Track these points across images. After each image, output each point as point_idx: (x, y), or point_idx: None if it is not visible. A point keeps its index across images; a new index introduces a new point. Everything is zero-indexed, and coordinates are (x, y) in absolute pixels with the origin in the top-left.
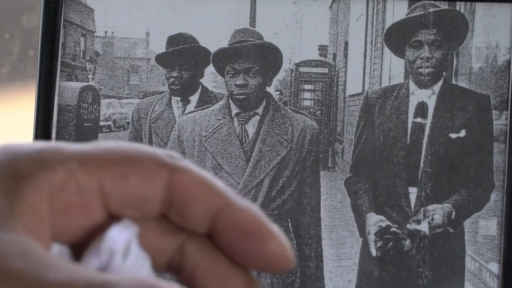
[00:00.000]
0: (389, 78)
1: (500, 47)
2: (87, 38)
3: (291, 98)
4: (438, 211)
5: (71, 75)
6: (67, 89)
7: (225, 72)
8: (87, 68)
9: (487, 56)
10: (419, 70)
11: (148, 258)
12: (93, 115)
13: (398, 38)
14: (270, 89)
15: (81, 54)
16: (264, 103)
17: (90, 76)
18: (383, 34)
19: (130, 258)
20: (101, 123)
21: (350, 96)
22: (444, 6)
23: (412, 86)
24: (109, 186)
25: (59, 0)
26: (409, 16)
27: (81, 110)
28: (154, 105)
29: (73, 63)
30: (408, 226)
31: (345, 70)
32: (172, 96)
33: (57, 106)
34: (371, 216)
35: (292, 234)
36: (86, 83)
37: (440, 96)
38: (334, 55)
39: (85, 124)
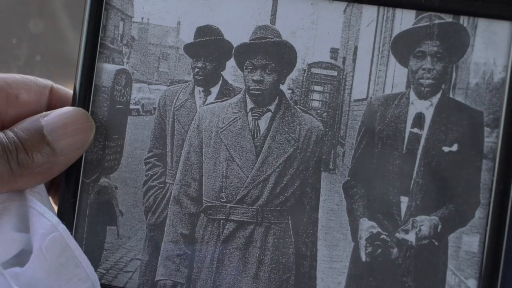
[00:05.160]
0: (392, 86)
1: (497, 64)
2: (125, 22)
3: (301, 98)
4: (425, 223)
5: (109, 58)
6: (104, 71)
7: (244, 67)
8: (123, 52)
9: (484, 72)
10: (420, 80)
11: None
12: (124, 98)
13: (403, 47)
14: (283, 87)
15: (119, 38)
16: (276, 100)
17: (125, 60)
18: (390, 42)
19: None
20: (131, 107)
21: (355, 101)
22: (449, 18)
23: (413, 96)
24: (3, 106)
25: None
26: (415, 26)
27: (115, 92)
28: (179, 93)
29: (111, 45)
30: (397, 234)
31: (353, 75)
32: (196, 86)
33: (93, 86)
34: (364, 222)
35: (291, 232)
36: (121, 66)
37: (437, 108)
38: (344, 58)
39: (117, 106)
